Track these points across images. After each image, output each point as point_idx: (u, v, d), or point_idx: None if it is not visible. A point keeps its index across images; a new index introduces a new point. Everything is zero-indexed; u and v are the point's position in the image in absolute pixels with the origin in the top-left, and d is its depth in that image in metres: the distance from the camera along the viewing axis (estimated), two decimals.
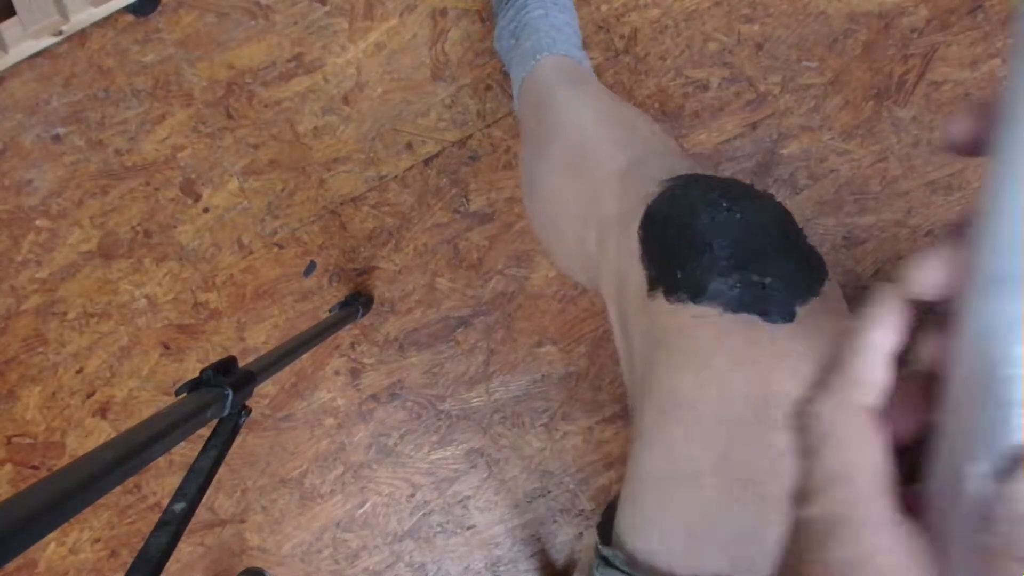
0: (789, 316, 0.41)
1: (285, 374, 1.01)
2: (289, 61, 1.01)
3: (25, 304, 1.05)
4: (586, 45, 0.96)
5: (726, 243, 0.43)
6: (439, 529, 1.01)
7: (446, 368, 1.00)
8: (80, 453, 0.61)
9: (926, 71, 0.93)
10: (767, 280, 0.42)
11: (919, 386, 0.21)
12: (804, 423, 0.20)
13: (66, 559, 1.05)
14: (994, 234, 0.19)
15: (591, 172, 0.55)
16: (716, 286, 0.42)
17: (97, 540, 1.05)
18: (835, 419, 0.20)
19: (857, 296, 0.93)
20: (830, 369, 0.21)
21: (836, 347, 0.21)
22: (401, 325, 1.00)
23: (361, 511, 1.02)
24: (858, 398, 0.20)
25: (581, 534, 0.99)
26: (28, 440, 1.05)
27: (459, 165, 0.99)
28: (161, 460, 1.03)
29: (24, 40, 0.99)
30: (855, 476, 0.19)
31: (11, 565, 1.02)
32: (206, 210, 1.02)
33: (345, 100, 1.00)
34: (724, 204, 0.44)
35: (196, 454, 0.55)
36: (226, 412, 0.58)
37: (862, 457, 0.19)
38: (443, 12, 0.98)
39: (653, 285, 0.45)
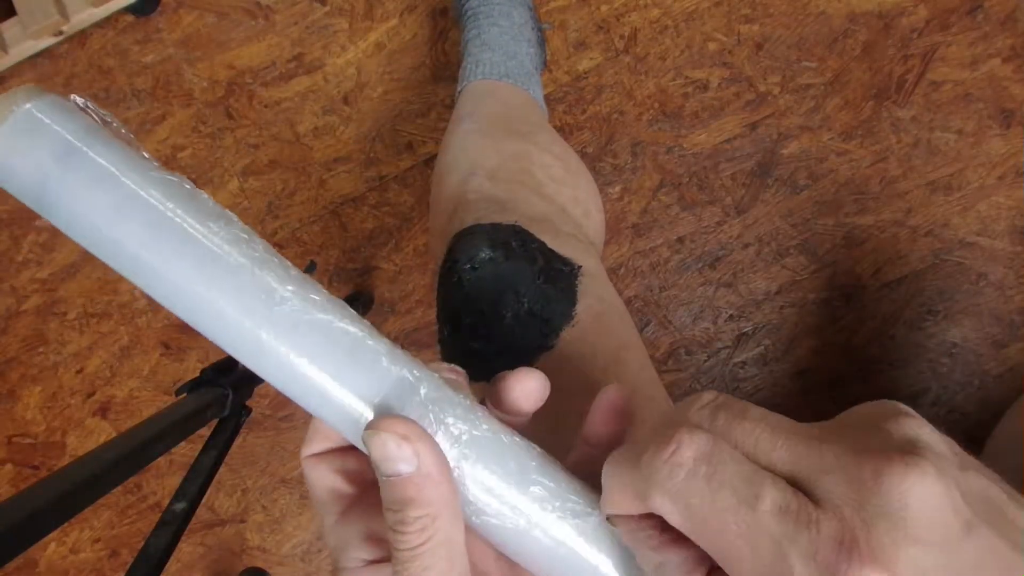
0: None
1: None
2: (289, 61, 1.01)
3: (25, 304, 1.05)
4: (586, 45, 0.97)
5: (450, 310, 0.46)
6: None
7: None
8: (80, 453, 0.61)
9: (926, 71, 0.93)
10: (477, 346, 0.44)
11: None
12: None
13: (66, 559, 1.05)
14: None
15: (441, 191, 0.58)
16: (445, 351, 0.47)
17: (97, 540, 1.05)
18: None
19: (856, 295, 0.93)
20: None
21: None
22: (401, 325, 1.00)
23: None
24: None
25: None
26: (28, 440, 1.05)
27: None
28: (161, 460, 1.03)
29: (24, 40, 0.99)
30: None
31: (11, 565, 1.02)
32: None
33: (345, 100, 1.00)
34: (459, 268, 0.46)
35: (196, 454, 0.55)
36: (226, 412, 0.58)
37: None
38: (443, 12, 0.98)
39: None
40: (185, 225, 0.22)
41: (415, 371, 0.23)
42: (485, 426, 0.23)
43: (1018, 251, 0.91)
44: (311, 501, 0.27)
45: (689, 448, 0.19)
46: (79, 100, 0.22)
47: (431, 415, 0.23)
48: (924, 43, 0.92)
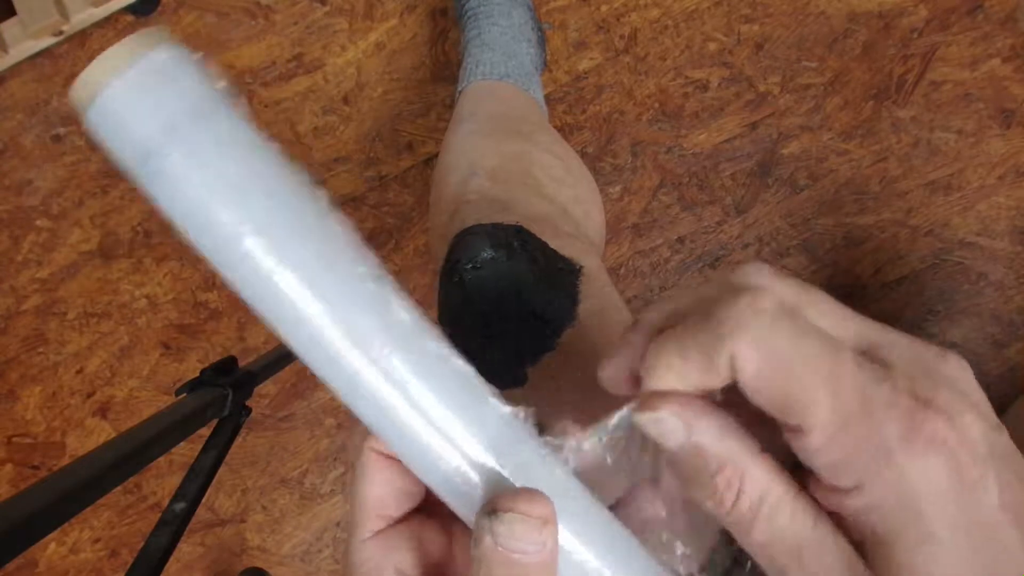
0: (518, 381, 0.43)
1: (285, 374, 1.01)
2: (289, 61, 1.01)
3: (25, 304, 1.05)
4: (586, 45, 0.97)
5: (451, 311, 0.46)
6: None
7: None
8: (80, 453, 0.61)
9: (926, 71, 0.93)
10: (478, 347, 0.44)
11: None
12: None
13: (66, 559, 1.05)
14: None
15: (441, 191, 0.57)
16: None
17: (97, 540, 1.05)
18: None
19: (856, 295, 0.93)
20: None
21: None
22: None
23: None
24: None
25: None
26: (28, 440, 1.05)
27: None
28: (161, 460, 1.03)
29: (24, 40, 0.99)
30: None
31: (11, 565, 1.02)
32: None
33: (345, 100, 1.00)
34: (460, 268, 0.46)
35: (196, 454, 0.55)
36: (226, 412, 0.58)
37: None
38: (443, 12, 0.98)
39: None
40: (308, 214, 0.19)
41: (518, 411, 0.21)
42: (572, 482, 0.22)
43: (1018, 251, 0.91)
44: (350, 499, 0.24)
45: (772, 295, 0.19)
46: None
47: (542, 465, 0.21)
48: (924, 43, 0.92)
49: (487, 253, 0.44)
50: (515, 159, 0.56)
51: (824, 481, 0.19)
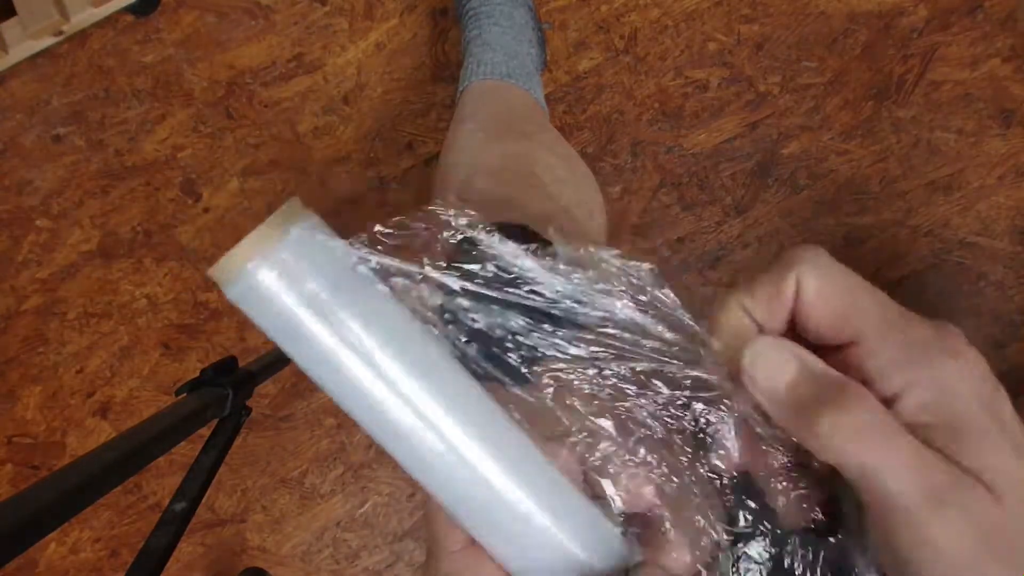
0: (524, 380, 0.43)
1: (285, 374, 1.01)
2: (289, 61, 1.01)
3: (25, 304, 1.05)
4: (586, 45, 0.96)
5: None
6: None
7: None
8: (80, 453, 0.61)
9: (926, 71, 0.93)
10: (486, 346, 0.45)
11: None
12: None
13: (66, 559, 1.05)
14: None
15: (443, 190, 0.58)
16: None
17: (97, 540, 1.05)
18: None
19: None
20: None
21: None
22: None
23: (361, 511, 1.02)
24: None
25: None
26: (28, 440, 1.05)
27: None
28: (161, 460, 1.03)
29: (24, 40, 0.99)
30: None
31: (11, 565, 1.02)
32: (206, 210, 1.02)
33: (345, 100, 1.00)
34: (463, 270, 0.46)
35: (196, 454, 0.55)
36: (226, 412, 0.58)
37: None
38: (443, 12, 0.98)
39: None
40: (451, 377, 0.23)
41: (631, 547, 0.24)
42: None
43: (1018, 251, 0.91)
44: (430, 512, 0.26)
45: (822, 250, 0.24)
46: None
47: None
48: (924, 43, 0.92)
49: (489, 253, 0.44)
50: (518, 159, 0.56)
51: (876, 390, 0.21)
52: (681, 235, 0.96)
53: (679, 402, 0.25)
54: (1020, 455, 0.20)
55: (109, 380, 1.04)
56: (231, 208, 1.02)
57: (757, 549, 0.25)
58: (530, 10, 0.89)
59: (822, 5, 0.93)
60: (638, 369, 0.25)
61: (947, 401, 0.20)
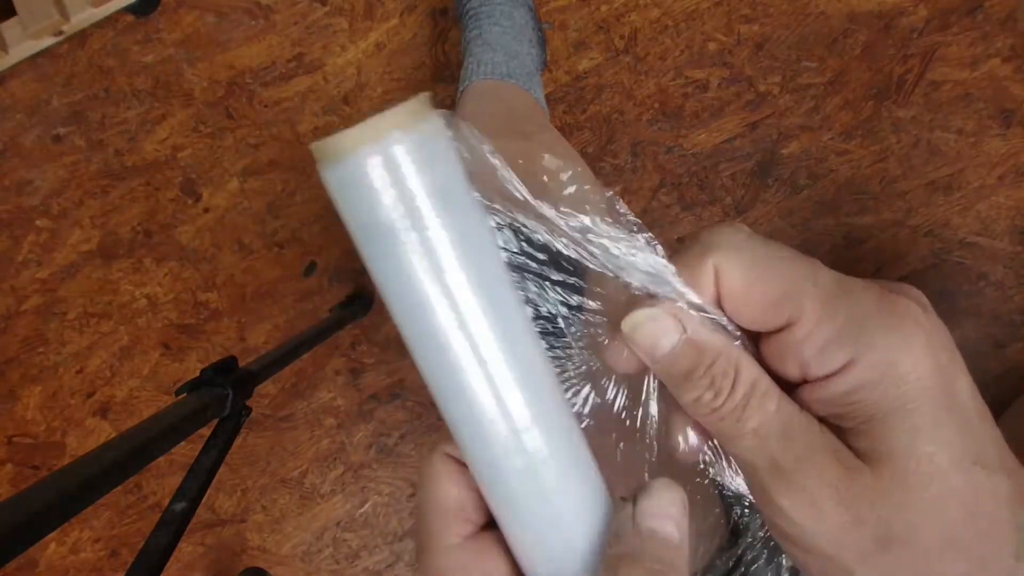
0: None
1: (285, 374, 1.01)
2: (289, 61, 1.01)
3: (25, 304, 1.05)
4: (586, 45, 0.96)
5: None
6: None
7: None
8: (80, 453, 0.61)
9: (925, 71, 0.93)
10: None
11: None
12: None
13: (66, 559, 1.05)
14: None
15: None
16: None
17: (97, 540, 1.05)
18: None
19: None
20: None
21: None
22: None
23: (361, 511, 1.02)
24: None
25: None
26: (28, 440, 1.05)
27: None
28: (161, 460, 1.03)
29: (24, 40, 0.99)
30: None
31: (11, 565, 1.02)
32: (206, 210, 1.03)
33: (345, 100, 1.00)
34: None
35: (196, 454, 0.55)
36: (226, 412, 0.58)
37: None
38: (443, 12, 0.98)
39: None
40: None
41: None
42: None
43: (1018, 251, 0.91)
44: (421, 505, 0.23)
45: (746, 227, 0.22)
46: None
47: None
48: (924, 43, 0.92)
49: None
50: (519, 159, 0.56)
51: (815, 371, 0.20)
52: (681, 235, 0.96)
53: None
54: (965, 432, 0.19)
55: (109, 380, 1.04)
56: (231, 208, 1.02)
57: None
58: (530, 10, 0.89)
59: (822, 5, 0.93)
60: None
61: (887, 378, 0.19)
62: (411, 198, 0.18)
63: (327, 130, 1.01)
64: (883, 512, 0.19)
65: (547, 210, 0.23)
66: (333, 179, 0.19)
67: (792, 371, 0.21)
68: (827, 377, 0.20)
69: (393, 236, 0.18)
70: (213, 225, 1.02)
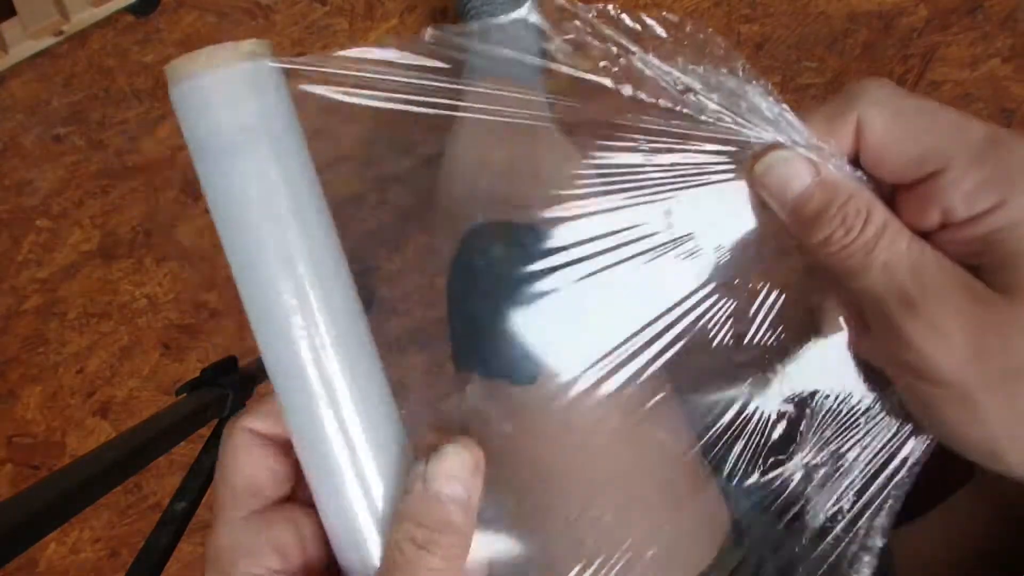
0: (530, 378, 0.43)
1: None
2: None
3: (25, 304, 1.05)
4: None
5: (461, 308, 0.48)
6: None
7: (446, 368, 1.00)
8: (80, 453, 0.61)
9: (926, 71, 0.93)
10: (490, 342, 0.44)
11: None
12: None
13: (66, 559, 1.05)
14: None
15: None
16: (455, 348, 0.49)
17: (97, 540, 1.05)
18: None
19: None
20: None
21: None
22: (401, 325, 1.00)
23: None
24: None
25: None
26: (28, 440, 1.05)
27: None
28: (161, 460, 1.03)
29: (24, 40, 0.99)
30: None
31: (11, 565, 1.02)
32: (206, 210, 1.02)
33: None
34: (471, 269, 0.46)
35: (196, 454, 0.55)
36: (226, 412, 0.58)
37: None
38: (443, 12, 0.99)
39: None
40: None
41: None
42: None
43: None
44: (218, 479, 0.23)
45: (887, 80, 0.23)
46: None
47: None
48: (924, 43, 0.92)
49: (499, 251, 0.44)
50: (523, 159, 0.56)
51: (961, 213, 0.20)
52: None
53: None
54: None
55: (109, 380, 1.04)
56: None
57: None
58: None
59: (822, 5, 0.93)
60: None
61: None
62: (235, 120, 0.21)
63: (327, 130, 1.01)
64: (1013, 341, 0.20)
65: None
66: (173, 97, 0.22)
67: (931, 218, 0.21)
68: (971, 219, 0.20)
69: (221, 154, 0.22)
70: (213, 225, 1.02)
